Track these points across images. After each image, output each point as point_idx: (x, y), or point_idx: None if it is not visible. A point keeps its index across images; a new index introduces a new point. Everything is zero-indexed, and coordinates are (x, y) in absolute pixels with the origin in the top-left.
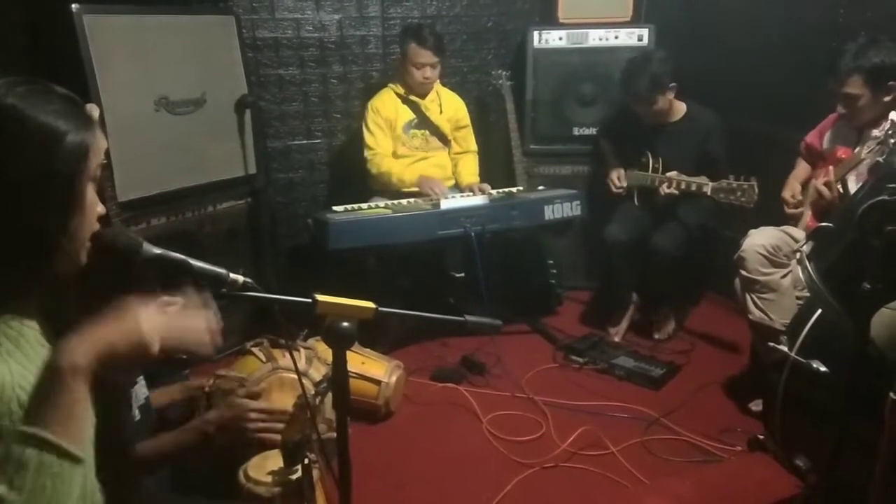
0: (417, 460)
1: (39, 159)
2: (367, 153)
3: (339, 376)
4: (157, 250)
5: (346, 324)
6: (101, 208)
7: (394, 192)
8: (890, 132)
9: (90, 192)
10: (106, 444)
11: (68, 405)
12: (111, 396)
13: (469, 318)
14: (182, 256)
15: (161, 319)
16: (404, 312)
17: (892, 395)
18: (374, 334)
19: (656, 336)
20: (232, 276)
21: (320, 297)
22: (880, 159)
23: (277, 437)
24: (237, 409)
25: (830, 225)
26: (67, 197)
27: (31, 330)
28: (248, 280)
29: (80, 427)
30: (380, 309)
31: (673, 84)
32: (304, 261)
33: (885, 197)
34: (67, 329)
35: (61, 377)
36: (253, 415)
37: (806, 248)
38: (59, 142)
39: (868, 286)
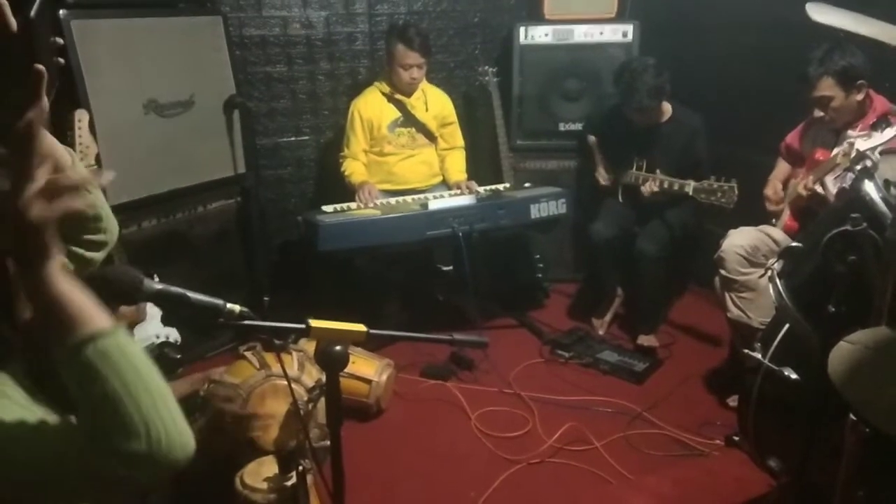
0: (407, 457)
1: None
2: (340, 154)
3: (332, 399)
4: (158, 286)
5: (338, 347)
6: None
7: (381, 189)
8: (855, 159)
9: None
10: None
11: (67, 302)
12: None
13: (456, 336)
14: (181, 290)
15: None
16: (394, 334)
17: (851, 416)
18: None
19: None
20: (228, 306)
21: (314, 323)
22: (845, 185)
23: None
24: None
25: (800, 245)
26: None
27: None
28: (245, 309)
29: (87, 306)
30: (371, 331)
31: (668, 89)
32: (295, 257)
33: (849, 227)
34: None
35: (45, 291)
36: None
37: (777, 266)
38: None
39: (833, 309)
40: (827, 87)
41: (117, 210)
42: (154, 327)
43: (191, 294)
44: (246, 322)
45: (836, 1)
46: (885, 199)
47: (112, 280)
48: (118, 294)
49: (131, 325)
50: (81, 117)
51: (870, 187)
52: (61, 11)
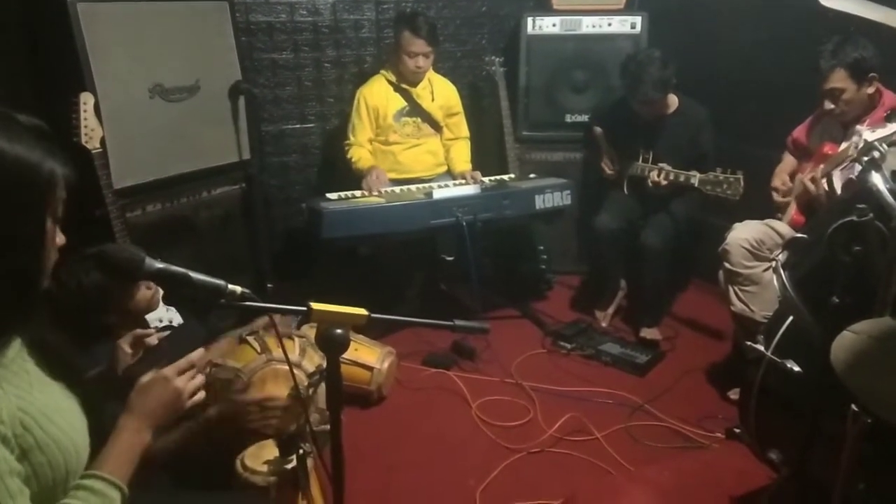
0: (408, 445)
1: (13, 193)
2: (345, 141)
3: (333, 382)
4: (160, 265)
5: (339, 330)
6: (61, 239)
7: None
8: (863, 150)
9: (52, 226)
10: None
11: (133, 462)
12: (99, 392)
13: (458, 322)
14: (183, 270)
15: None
16: (395, 318)
17: (853, 406)
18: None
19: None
20: (230, 287)
21: (315, 306)
22: (853, 176)
23: (273, 423)
24: (237, 405)
25: (805, 236)
26: (38, 232)
27: (12, 352)
28: (246, 291)
29: (132, 471)
30: (372, 315)
31: (674, 81)
32: (299, 243)
33: (854, 218)
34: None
35: (136, 447)
36: (252, 408)
37: (781, 258)
38: (31, 174)
39: (837, 300)
40: (839, 80)
41: (122, 194)
42: (157, 312)
43: (192, 274)
44: (247, 303)
45: None
46: (891, 191)
47: (112, 257)
48: (119, 271)
49: (144, 313)
50: (87, 100)
51: (877, 178)
52: None
